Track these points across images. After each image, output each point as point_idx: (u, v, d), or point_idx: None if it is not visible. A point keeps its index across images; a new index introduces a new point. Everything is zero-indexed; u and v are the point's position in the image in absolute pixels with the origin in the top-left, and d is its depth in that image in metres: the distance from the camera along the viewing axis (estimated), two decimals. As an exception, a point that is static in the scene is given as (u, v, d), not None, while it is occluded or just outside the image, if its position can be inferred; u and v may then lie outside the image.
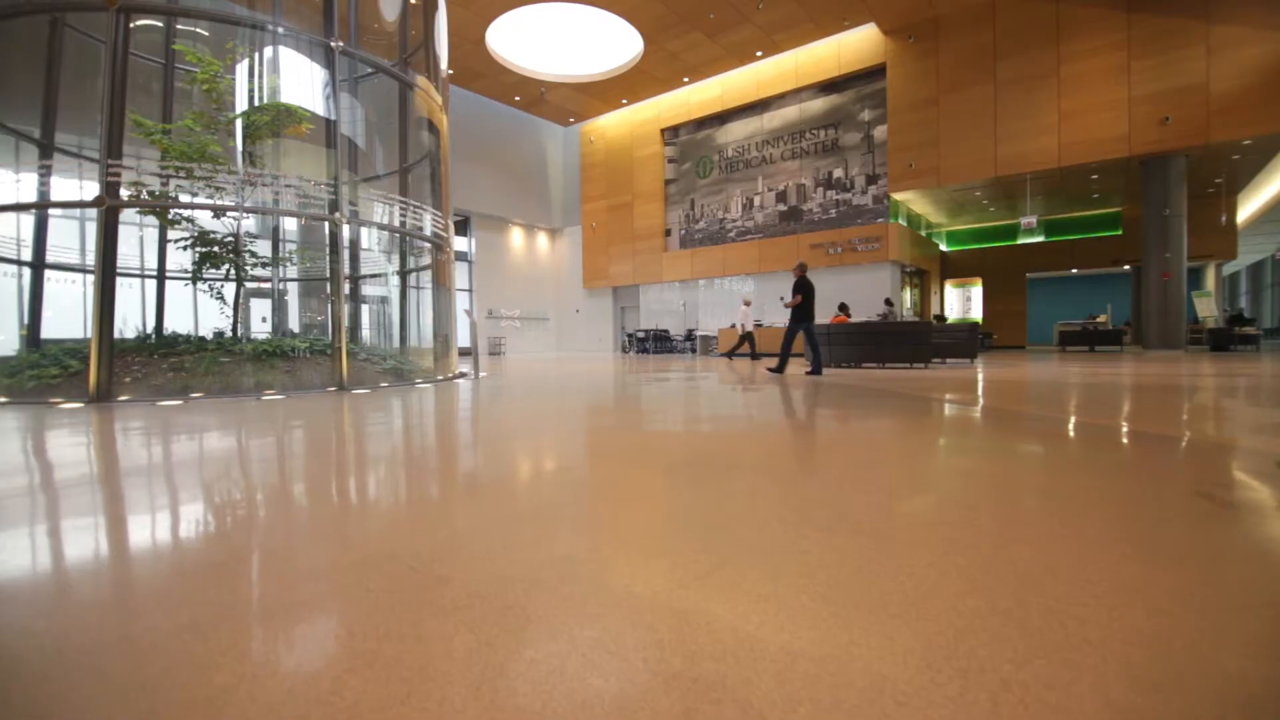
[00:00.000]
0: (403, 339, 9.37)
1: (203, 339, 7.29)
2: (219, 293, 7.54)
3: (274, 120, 7.09)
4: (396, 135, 8.93)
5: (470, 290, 20.66)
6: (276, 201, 6.78)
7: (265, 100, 7.07)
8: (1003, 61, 14.10)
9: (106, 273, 5.50)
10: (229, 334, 7.48)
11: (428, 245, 8.64)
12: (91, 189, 5.79)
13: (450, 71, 17.73)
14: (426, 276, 9.14)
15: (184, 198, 6.56)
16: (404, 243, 9.09)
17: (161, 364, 6.33)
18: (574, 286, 23.39)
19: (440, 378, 7.90)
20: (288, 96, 6.98)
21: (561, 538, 1.52)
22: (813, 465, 2.49)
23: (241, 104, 6.98)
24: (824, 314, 9.58)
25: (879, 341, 8.76)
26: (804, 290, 7.66)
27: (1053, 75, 13.57)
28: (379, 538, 1.55)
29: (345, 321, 6.41)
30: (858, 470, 2.32)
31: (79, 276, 7.80)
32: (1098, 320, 21.04)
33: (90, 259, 7.92)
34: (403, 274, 9.29)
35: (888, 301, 14.07)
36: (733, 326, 15.85)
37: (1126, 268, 20.80)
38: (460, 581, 1.23)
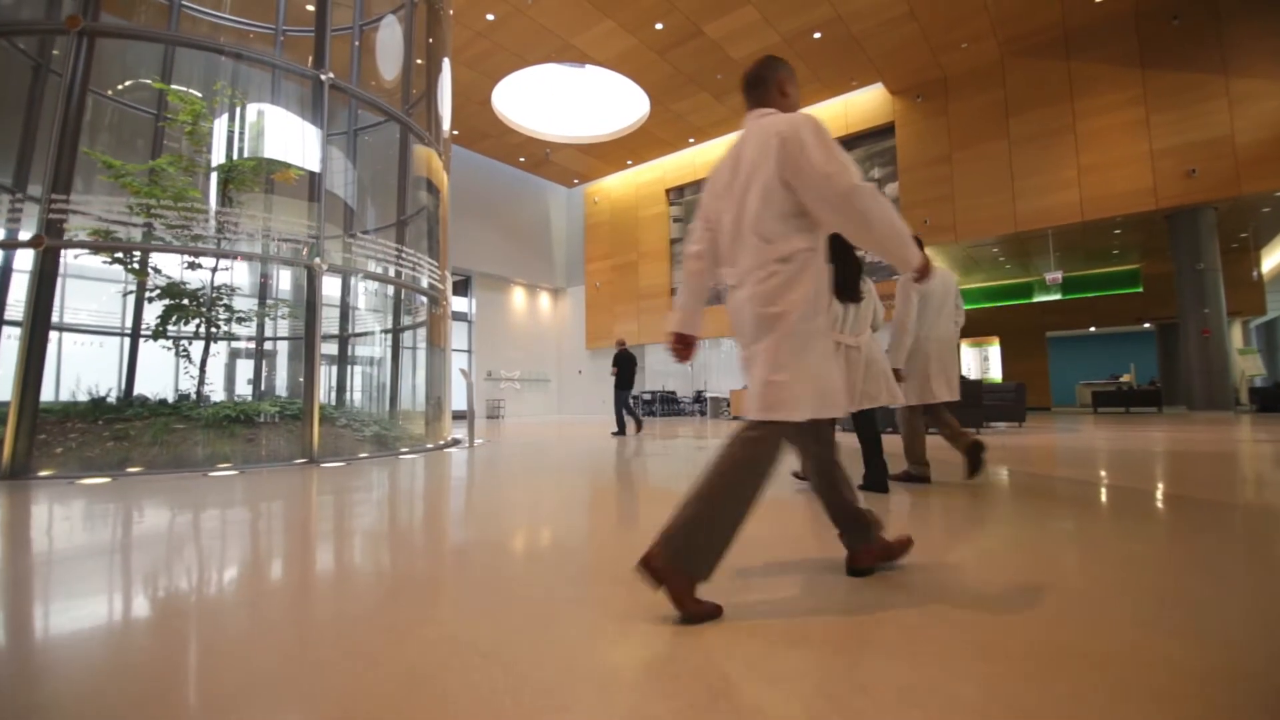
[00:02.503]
0: (392, 402, 8.47)
1: (164, 402, 6.41)
2: (185, 350, 6.70)
3: (259, 165, 6.48)
4: (393, 184, 8.37)
5: (469, 351, 19.93)
6: (266, 248, 6.04)
7: (248, 138, 6.50)
8: (1015, 118, 13.90)
9: (37, 324, 4.67)
10: (192, 396, 6.58)
11: (423, 300, 7.90)
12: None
13: (455, 132, 17.69)
14: (419, 335, 8.34)
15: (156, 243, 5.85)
16: (399, 296, 8.36)
17: (104, 431, 5.43)
18: (576, 347, 22.68)
19: (430, 446, 6.96)
20: (272, 135, 6.39)
21: None
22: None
23: (221, 142, 6.39)
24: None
25: (922, 403, 7.84)
26: (620, 363, 9.12)
27: (1069, 131, 13.31)
28: None
29: (319, 383, 5.52)
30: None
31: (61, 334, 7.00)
32: (1121, 379, 20.23)
33: (72, 315, 7.18)
34: (395, 331, 8.49)
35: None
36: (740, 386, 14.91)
37: (1147, 325, 20.20)
38: None
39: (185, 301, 6.54)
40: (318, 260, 5.45)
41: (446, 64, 8.82)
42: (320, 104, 5.65)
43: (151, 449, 5.27)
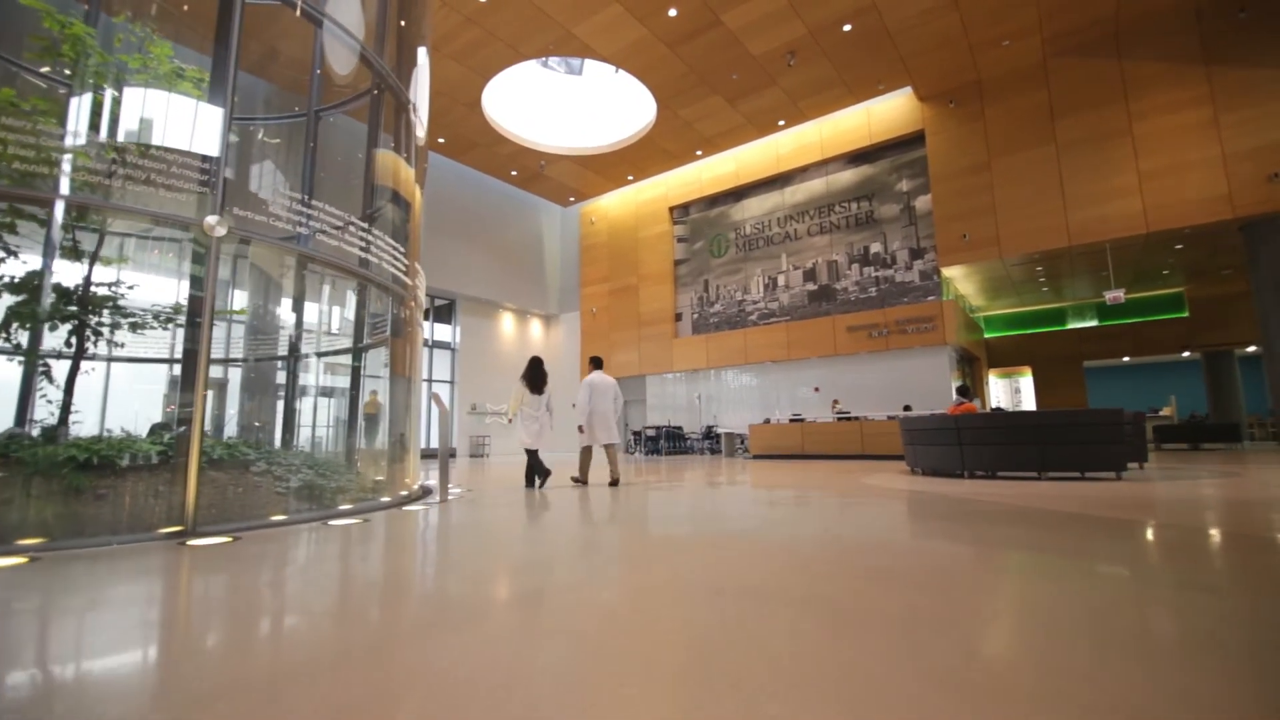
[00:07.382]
0: (348, 439, 6.50)
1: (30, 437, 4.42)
2: (45, 368, 4.77)
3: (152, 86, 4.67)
4: (358, 171, 6.59)
5: (452, 381, 17.95)
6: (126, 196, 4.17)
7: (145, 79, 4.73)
8: (1062, 121, 12.58)
9: None
10: (56, 429, 4.62)
11: (387, 300, 6.04)
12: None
13: (441, 140, 16.09)
14: (381, 352, 6.44)
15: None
16: (362, 301, 6.51)
17: None
18: (570, 378, 20.74)
19: (386, 500, 4.98)
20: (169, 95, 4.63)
21: None
22: None
23: (104, 88, 4.60)
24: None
25: (1040, 438, 6.01)
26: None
27: (1125, 134, 11.97)
28: None
29: (204, 409, 3.60)
30: None
31: None
32: (1161, 413, 18.63)
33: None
34: (355, 351, 6.57)
35: (962, 389, 11.52)
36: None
37: (1186, 354, 18.77)
38: None
39: (53, 299, 4.70)
40: (212, 220, 3.58)
41: (424, 54, 7.17)
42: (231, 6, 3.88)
43: (-79, 515, 3.29)
